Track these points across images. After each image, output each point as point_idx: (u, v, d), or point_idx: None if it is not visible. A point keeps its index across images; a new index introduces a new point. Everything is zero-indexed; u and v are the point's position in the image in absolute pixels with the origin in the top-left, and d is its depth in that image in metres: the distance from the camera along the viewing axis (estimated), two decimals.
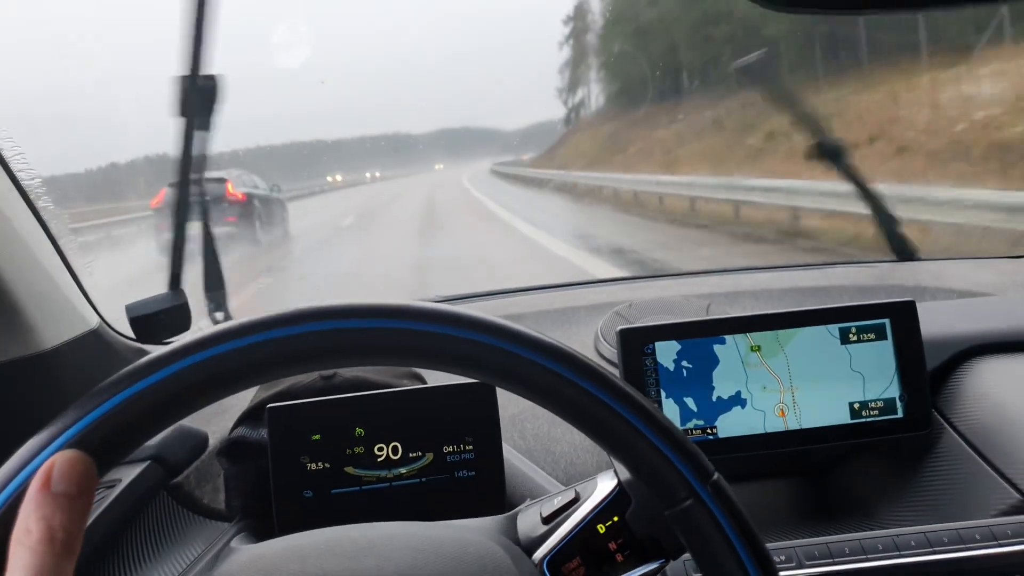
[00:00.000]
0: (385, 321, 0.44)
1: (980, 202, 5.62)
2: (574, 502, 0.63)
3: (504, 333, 0.45)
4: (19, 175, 0.97)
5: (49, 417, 0.40)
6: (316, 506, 0.84)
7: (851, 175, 1.52)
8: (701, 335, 0.91)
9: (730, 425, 0.91)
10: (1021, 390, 0.94)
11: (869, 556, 0.74)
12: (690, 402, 0.91)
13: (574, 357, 0.45)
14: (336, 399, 0.86)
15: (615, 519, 0.60)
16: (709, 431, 0.91)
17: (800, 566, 0.74)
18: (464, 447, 0.86)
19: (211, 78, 1.21)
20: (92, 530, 0.84)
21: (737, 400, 0.91)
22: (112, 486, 0.90)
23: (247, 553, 0.61)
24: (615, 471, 0.62)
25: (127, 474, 0.92)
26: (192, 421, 1.05)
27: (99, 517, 0.85)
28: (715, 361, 0.92)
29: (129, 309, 1.15)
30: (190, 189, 1.23)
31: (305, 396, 0.89)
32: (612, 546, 0.60)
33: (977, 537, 0.75)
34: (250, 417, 0.93)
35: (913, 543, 0.75)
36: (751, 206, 9.24)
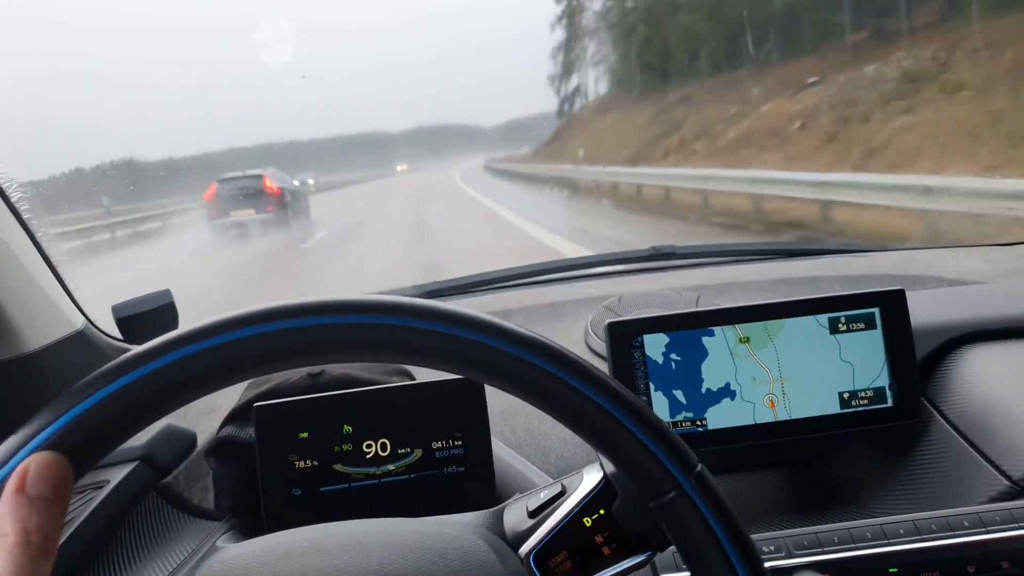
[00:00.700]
0: (366, 317, 0.43)
1: (972, 190, 5.62)
2: (560, 495, 0.63)
3: (484, 327, 0.44)
4: None
5: None
6: (305, 504, 0.84)
7: None
8: (690, 327, 0.91)
9: (719, 417, 0.91)
10: (1010, 377, 0.94)
11: (858, 545, 0.74)
12: (679, 395, 0.91)
13: (553, 349, 0.45)
14: (323, 397, 0.86)
15: (601, 512, 0.59)
16: (698, 423, 0.91)
17: (790, 555, 0.73)
18: (453, 443, 0.86)
19: None
20: (81, 531, 0.83)
21: (726, 392, 0.91)
22: (100, 487, 0.89)
23: (230, 552, 0.61)
24: (601, 464, 0.62)
25: (115, 475, 0.92)
26: (180, 421, 1.05)
27: (88, 518, 0.85)
28: (704, 353, 0.91)
29: (115, 310, 1.14)
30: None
31: (292, 394, 0.88)
32: (599, 539, 0.59)
33: (966, 524, 0.75)
34: (238, 416, 0.93)
35: (902, 531, 0.75)
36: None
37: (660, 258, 1.61)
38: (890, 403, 0.91)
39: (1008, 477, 0.83)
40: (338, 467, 0.84)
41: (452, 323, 0.44)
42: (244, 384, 0.99)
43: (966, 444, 0.90)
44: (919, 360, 0.95)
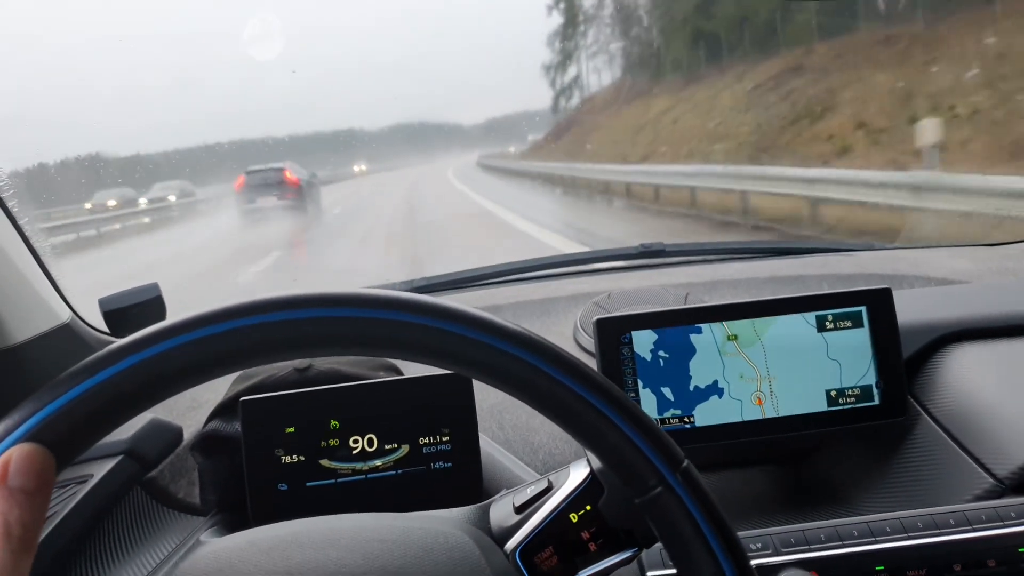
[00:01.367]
0: (355, 311, 0.43)
1: (962, 187, 5.64)
2: (547, 491, 0.63)
3: (472, 321, 0.44)
4: None
5: None
6: (291, 499, 0.83)
7: None
8: (679, 324, 0.91)
9: (707, 414, 0.91)
10: (995, 376, 0.95)
11: (845, 542, 0.74)
12: (667, 392, 0.91)
13: (540, 344, 0.45)
14: (310, 391, 0.85)
15: (588, 508, 0.59)
16: (686, 420, 0.91)
17: (776, 553, 0.74)
18: (440, 438, 0.85)
19: None
20: (64, 525, 0.83)
21: (714, 389, 0.91)
22: (84, 481, 0.88)
23: (213, 546, 0.61)
24: (588, 460, 0.61)
25: (99, 469, 0.91)
26: (166, 415, 1.04)
27: (71, 512, 0.84)
28: (692, 351, 0.91)
29: (102, 303, 1.13)
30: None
31: (279, 389, 0.88)
32: (585, 535, 0.59)
33: (952, 522, 0.75)
34: (224, 410, 0.92)
35: (888, 529, 0.75)
36: None
37: (649, 255, 1.61)
38: (877, 401, 0.92)
39: (993, 475, 0.84)
40: (324, 462, 0.84)
41: (439, 317, 0.44)
42: (230, 378, 0.99)
43: (952, 442, 0.90)
44: (906, 359, 0.95)
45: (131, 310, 1.14)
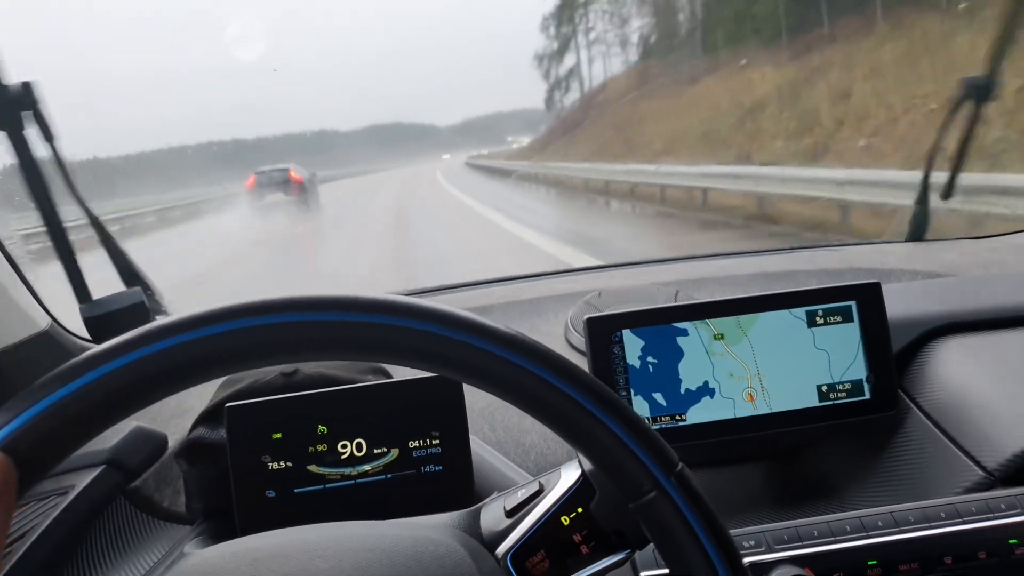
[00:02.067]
0: (339, 314, 0.42)
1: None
2: (537, 494, 0.62)
3: (458, 323, 0.43)
4: None
5: None
6: (279, 506, 0.82)
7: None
8: (670, 321, 0.91)
9: (699, 414, 0.91)
10: (984, 369, 0.95)
11: (837, 538, 0.74)
12: (659, 397, 0.90)
13: (531, 346, 0.44)
14: (297, 396, 0.84)
15: (579, 511, 0.59)
16: (678, 417, 0.90)
17: (769, 550, 0.73)
18: (430, 441, 0.84)
19: (25, 85, 1.04)
20: (45, 538, 0.81)
21: (705, 390, 0.91)
22: (65, 492, 0.87)
23: (196, 558, 0.59)
24: (579, 461, 0.61)
25: (81, 480, 0.89)
26: (151, 422, 1.03)
27: (51, 525, 0.82)
28: (680, 353, 0.91)
29: (83, 309, 1.11)
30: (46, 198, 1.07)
31: (265, 394, 0.86)
32: (577, 538, 0.58)
33: (943, 515, 0.75)
34: (209, 417, 0.91)
35: (880, 523, 0.75)
36: None
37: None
38: (867, 396, 0.92)
39: (983, 468, 0.84)
40: (312, 468, 0.83)
41: (427, 320, 0.43)
42: (215, 384, 0.97)
43: (942, 436, 0.90)
44: (895, 352, 0.95)
45: (114, 316, 1.12)
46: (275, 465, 0.82)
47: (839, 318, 0.92)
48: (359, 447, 0.83)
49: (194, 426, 0.91)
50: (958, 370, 0.96)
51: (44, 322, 1.03)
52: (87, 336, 1.13)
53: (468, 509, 0.66)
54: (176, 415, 1.08)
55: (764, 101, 14.81)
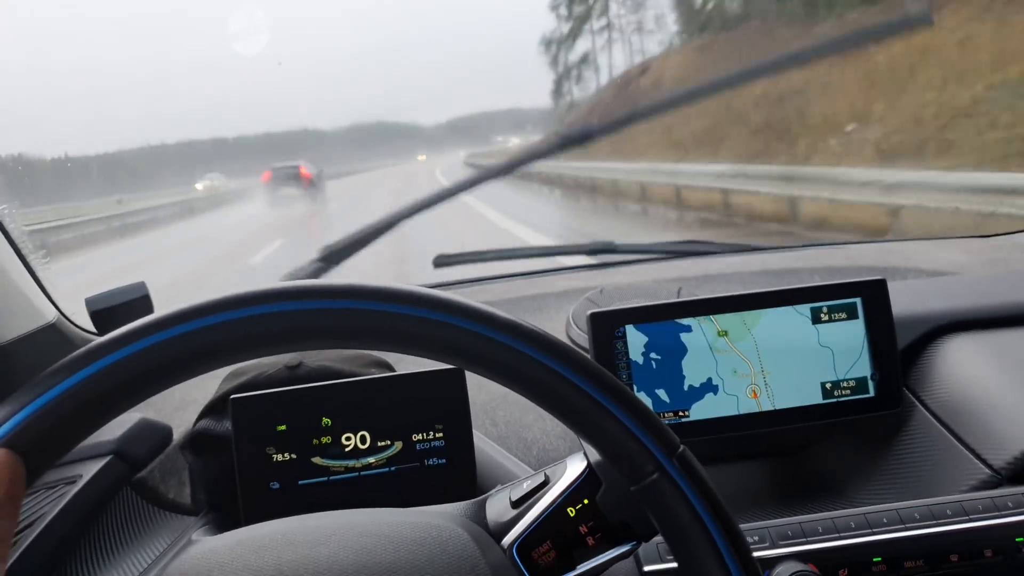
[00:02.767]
0: (343, 302, 0.42)
1: (950, 184, 5.64)
2: (543, 485, 0.62)
3: (462, 311, 0.43)
4: None
5: None
6: (283, 498, 0.82)
7: None
8: (673, 317, 0.91)
9: (703, 410, 0.91)
10: (989, 367, 0.95)
11: (842, 534, 0.74)
12: (662, 393, 0.90)
13: (533, 332, 0.44)
14: (301, 389, 0.84)
15: (585, 502, 0.59)
16: (681, 413, 0.90)
17: (774, 546, 0.73)
18: (434, 435, 0.85)
19: None
20: (52, 527, 0.81)
21: (709, 387, 0.91)
22: (73, 481, 0.87)
23: (204, 546, 0.59)
24: (584, 453, 0.61)
25: (87, 470, 0.89)
26: (156, 414, 1.03)
27: (59, 514, 0.83)
28: (683, 350, 0.91)
29: (89, 302, 1.11)
30: None
31: (270, 386, 0.87)
32: (583, 529, 0.58)
33: (948, 513, 0.75)
34: (214, 409, 0.91)
35: (885, 520, 0.75)
36: None
37: (641, 251, 1.61)
38: (872, 393, 0.92)
39: (989, 466, 0.83)
40: (317, 460, 0.83)
41: (430, 308, 0.43)
42: (220, 376, 0.98)
43: (947, 434, 0.90)
44: (900, 350, 0.95)
45: (118, 309, 1.13)
46: (279, 457, 0.82)
47: (844, 315, 0.92)
48: (363, 440, 0.84)
49: (199, 418, 0.92)
50: (963, 368, 0.95)
51: (51, 314, 1.04)
52: (93, 329, 1.13)
53: (474, 500, 0.67)
54: (180, 407, 1.08)
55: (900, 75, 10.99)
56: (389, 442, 0.84)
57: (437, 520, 0.61)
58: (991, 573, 0.75)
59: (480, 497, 0.67)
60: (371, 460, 0.83)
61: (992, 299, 1.06)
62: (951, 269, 1.36)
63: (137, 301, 1.15)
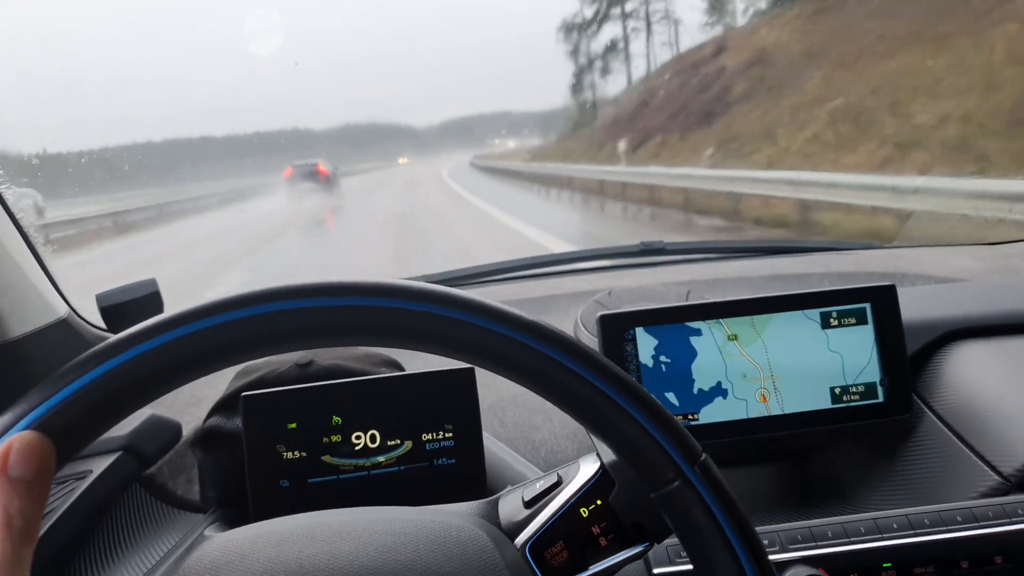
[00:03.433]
0: (364, 299, 0.42)
1: (962, 191, 5.62)
2: (556, 486, 0.62)
3: (485, 311, 0.43)
4: None
5: None
6: (292, 496, 0.82)
7: None
8: (684, 320, 0.91)
9: (712, 414, 0.91)
10: (1000, 374, 0.95)
11: (852, 539, 0.74)
12: (672, 397, 0.90)
13: (557, 335, 0.44)
14: (312, 387, 0.84)
15: (598, 503, 0.59)
16: (690, 417, 0.90)
17: (783, 550, 0.73)
18: (443, 434, 0.85)
19: None
20: (63, 522, 0.82)
21: (718, 391, 0.91)
22: (83, 477, 0.88)
23: (221, 539, 0.60)
24: (598, 454, 0.61)
25: (98, 465, 0.90)
26: (166, 411, 1.03)
27: (70, 508, 0.83)
28: (693, 354, 0.91)
29: (99, 298, 1.12)
30: None
31: (280, 384, 0.87)
32: (595, 530, 0.59)
33: (958, 519, 0.75)
34: (225, 406, 0.91)
35: (895, 526, 0.75)
36: None
37: (650, 253, 1.61)
38: (881, 398, 0.91)
39: (999, 473, 0.83)
40: (327, 458, 0.83)
41: (453, 307, 0.43)
42: (230, 374, 0.98)
43: (956, 440, 0.90)
44: (909, 356, 0.95)
45: (128, 306, 1.13)
46: (290, 455, 0.83)
47: (853, 320, 0.92)
48: (373, 439, 0.84)
49: (209, 415, 0.92)
50: (973, 374, 0.95)
51: (63, 310, 1.04)
52: (103, 325, 1.14)
53: (487, 499, 0.67)
54: (191, 404, 1.09)
55: None
56: (399, 441, 0.84)
57: (455, 519, 0.61)
58: None
59: (493, 497, 0.67)
60: (381, 459, 0.84)
61: (1002, 306, 1.06)
62: (961, 275, 1.35)
63: (147, 298, 1.16)
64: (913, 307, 1.02)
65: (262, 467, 0.82)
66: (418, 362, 1.05)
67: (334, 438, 0.83)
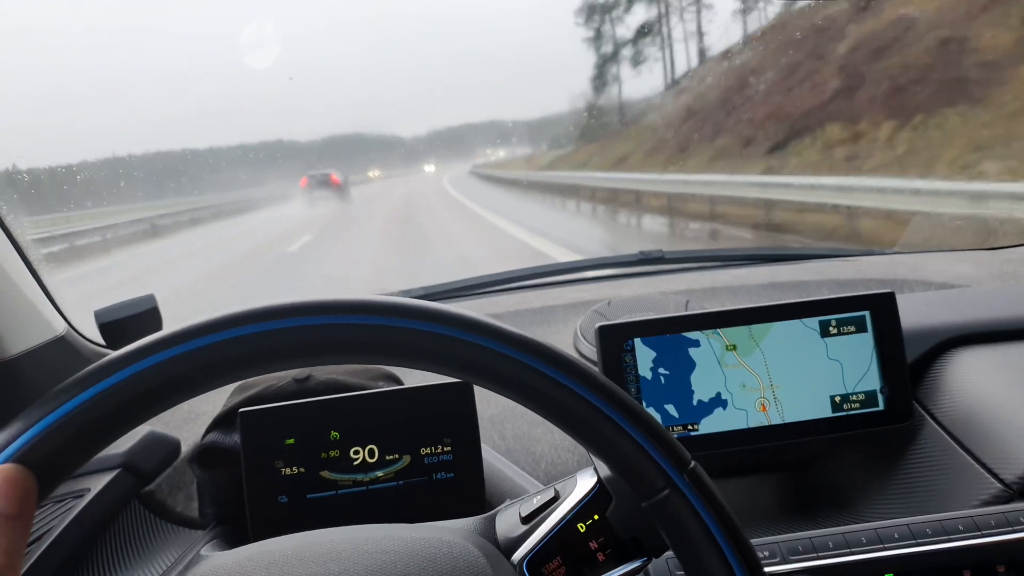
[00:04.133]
0: (356, 317, 0.42)
1: (962, 192, 5.61)
2: (553, 501, 0.62)
3: (471, 325, 0.43)
4: None
5: None
6: (291, 512, 0.82)
7: None
8: (681, 330, 0.90)
9: (712, 424, 0.90)
10: (999, 380, 0.94)
11: (853, 549, 0.73)
12: (671, 408, 0.90)
13: (541, 347, 0.44)
14: (310, 402, 0.84)
15: (596, 517, 0.58)
16: (690, 427, 0.90)
17: (784, 561, 0.73)
18: (442, 448, 0.84)
19: None
20: (60, 541, 0.81)
21: (718, 402, 0.90)
22: (81, 495, 0.87)
23: (213, 562, 0.59)
24: (595, 468, 0.60)
25: (96, 483, 0.90)
26: (164, 428, 1.03)
27: (67, 527, 0.83)
28: (692, 365, 0.91)
29: (98, 315, 1.12)
30: None
31: (278, 400, 0.87)
32: (593, 545, 0.58)
33: (960, 528, 0.74)
34: (223, 422, 0.91)
35: (897, 535, 0.74)
36: None
37: (648, 263, 1.61)
38: (882, 407, 0.91)
39: (1001, 480, 0.83)
40: (325, 474, 0.83)
41: (441, 323, 0.43)
42: (228, 390, 0.98)
43: (958, 448, 0.89)
44: (909, 363, 0.95)
45: (127, 322, 1.13)
46: (288, 470, 0.82)
47: (853, 328, 0.92)
48: (371, 453, 0.83)
49: (207, 431, 0.92)
50: (974, 381, 0.95)
51: (60, 327, 1.04)
52: (101, 342, 1.14)
53: (484, 515, 0.66)
54: (189, 420, 1.08)
55: None
56: (397, 456, 0.84)
57: (447, 536, 0.60)
58: None
59: (490, 512, 0.67)
60: (379, 474, 0.83)
61: (1002, 312, 1.05)
62: (960, 282, 1.35)
63: (146, 313, 1.16)
64: (913, 314, 1.02)
65: (260, 483, 0.82)
66: (416, 376, 1.05)
67: (332, 453, 0.83)
